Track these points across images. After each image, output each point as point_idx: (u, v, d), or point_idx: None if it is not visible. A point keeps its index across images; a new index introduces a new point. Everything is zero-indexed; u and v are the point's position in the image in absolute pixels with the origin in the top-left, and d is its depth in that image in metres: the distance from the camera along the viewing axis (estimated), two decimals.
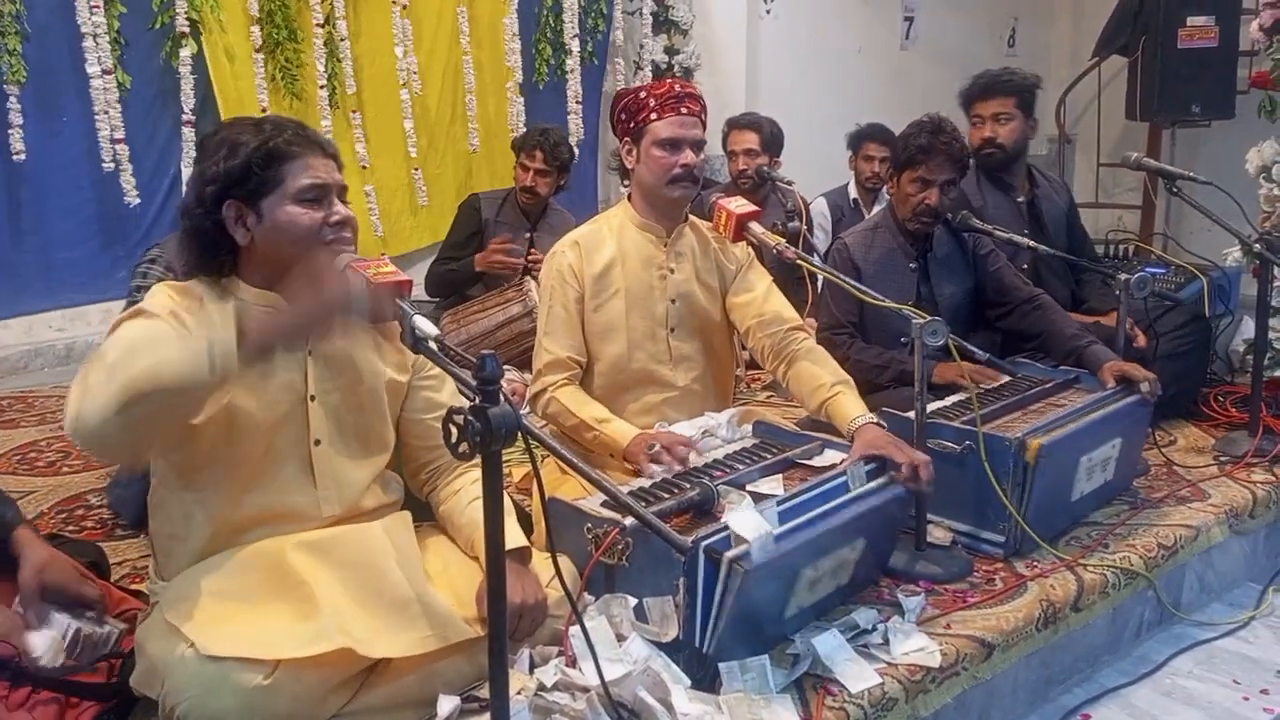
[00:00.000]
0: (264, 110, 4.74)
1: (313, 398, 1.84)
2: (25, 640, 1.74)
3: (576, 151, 4.72)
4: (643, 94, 2.51)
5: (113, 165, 4.48)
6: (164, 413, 1.58)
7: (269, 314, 1.69)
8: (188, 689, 1.58)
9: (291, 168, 1.75)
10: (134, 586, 2.16)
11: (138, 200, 4.55)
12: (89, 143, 4.46)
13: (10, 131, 4.26)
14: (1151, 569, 2.51)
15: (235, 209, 1.76)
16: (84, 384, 1.54)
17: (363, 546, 1.79)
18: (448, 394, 2.02)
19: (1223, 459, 3.10)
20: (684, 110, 2.48)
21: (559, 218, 4.29)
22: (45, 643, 1.75)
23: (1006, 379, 2.85)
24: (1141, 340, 3.10)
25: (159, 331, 1.60)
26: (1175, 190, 3.17)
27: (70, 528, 2.72)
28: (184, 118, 4.66)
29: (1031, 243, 3.01)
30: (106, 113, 4.43)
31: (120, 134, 4.48)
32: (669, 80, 2.59)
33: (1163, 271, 3.81)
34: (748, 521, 1.86)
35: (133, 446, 1.66)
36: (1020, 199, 3.48)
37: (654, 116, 2.47)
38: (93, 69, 4.37)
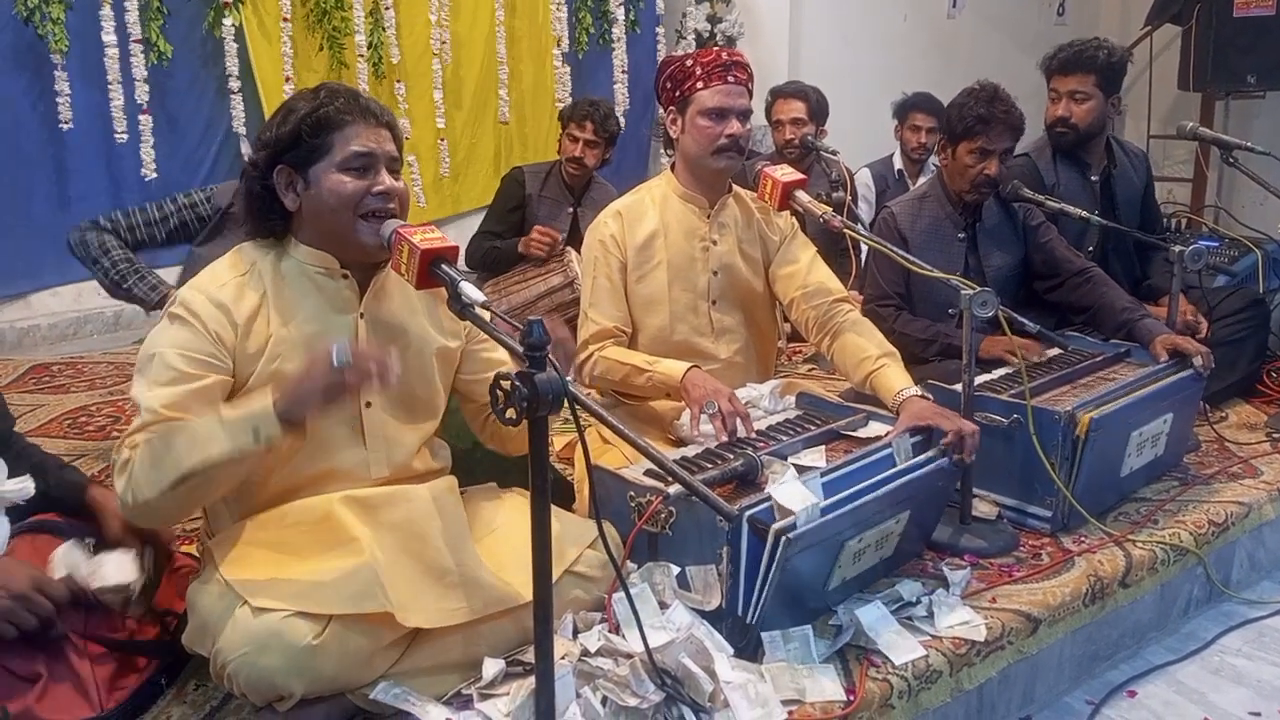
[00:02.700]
0: (288, 80, 4.75)
1: None
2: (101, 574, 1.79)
3: (623, 124, 4.68)
4: (689, 62, 2.48)
5: (126, 137, 4.47)
6: (212, 487, 1.70)
7: (290, 384, 1.67)
8: (238, 647, 1.60)
9: (340, 136, 1.76)
10: (184, 549, 2.19)
11: (155, 175, 4.55)
12: (131, 113, 4.50)
13: (58, 101, 4.30)
14: (1201, 546, 2.47)
15: (285, 175, 1.77)
16: (130, 466, 1.65)
17: (408, 509, 1.79)
18: (505, 353, 2.01)
19: (1275, 435, 3.04)
20: (731, 79, 2.44)
21: (603, 192, 4.25)
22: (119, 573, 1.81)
23: (1053, 356, 2.80)
24: (1204, 328, 3.03)
25: (200, 422, 1.65)
26: (1231, 161, 3.09)
27: None
28: (230, 87, 4.68)
29: (1083, 213, 2.94)
30: (120, 83, 4.43)
31: (145, 104, 4.48)
32: (716, 48, 2.56)
33: (1216, 245, 3.74)
34: (793, 494, 1.86)
35: (182, 513, 1.81)
36: (1094, 177, 3.34)
37: (700, 85, 2.44)
38: (108, 37, 4.36)
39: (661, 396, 2.45)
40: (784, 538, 1.79)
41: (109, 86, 4.41)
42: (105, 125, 4.50)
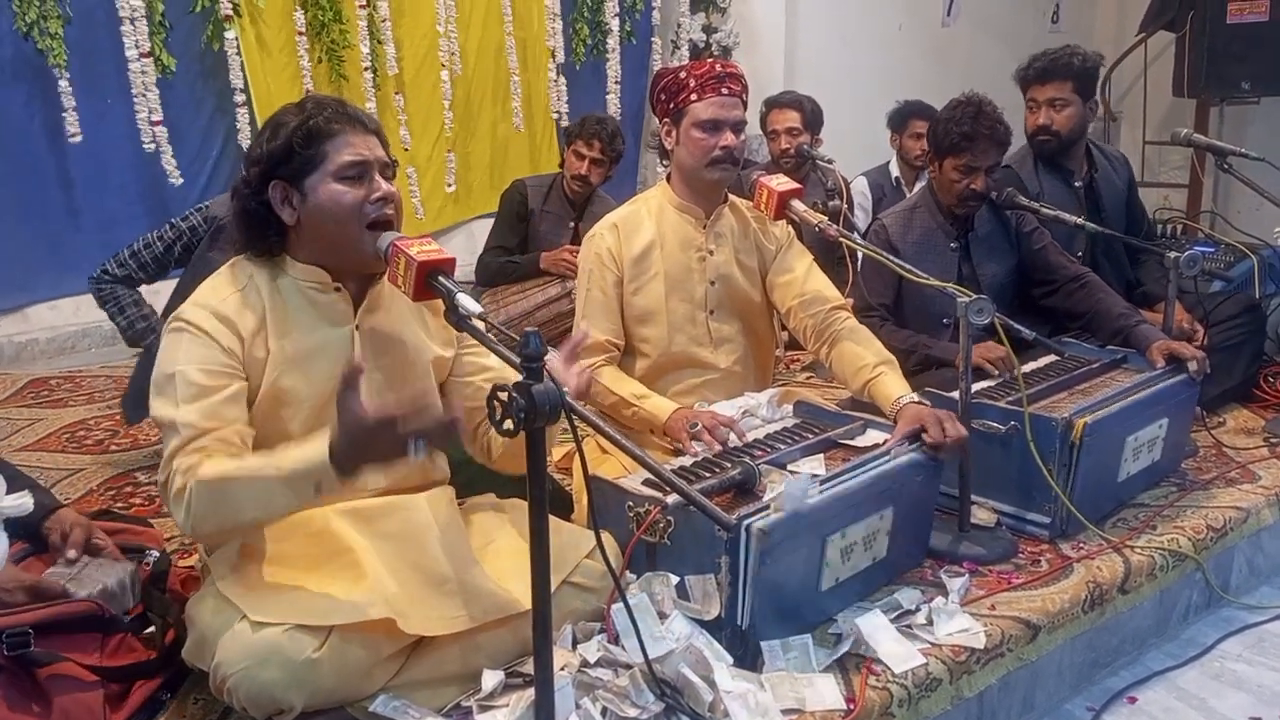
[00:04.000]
0: (307, 92, 4.78)
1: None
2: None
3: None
4: (683, 74, 2.48)
5: (153, 146, 4.52)
6: (270, 524, 1.76)
7: (351, 446, 1.59)
8: (238, 661, 1.60)
9: (332, 145, 1.77)
10: (183, 563, 2.19)
11: (180, 181, 4.59)
12: (131, 125, 4.50)
13: (64, 114, 4.31)
14: (1200, 551, 2.47)
15: (280, 189, 1.77)
16: (188, 501, 1.65)
17: (405, 519, 1.80)
18: (496, 359, 2.02)
19: (1273, 440, 3.05)
20: (725, 91, 2.45)
21: (604, 206, 4.25)
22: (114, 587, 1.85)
23: (1027, 368, 2.80)
24: (1200, 335, 3.04)
25: (257, 469, 1.64)
26: (1226, 167, 3.10)
27: (119, 504, 2.77)
28: (235, 100, 4.70)
29: (1079, 220, 2.95)
30: (145, 95, 4.47)
31: (158, 116, 4.51)
32: (710, 60, 2.56)
33: (1212, 250, 3.74)
34: (797, 488, 1.87)
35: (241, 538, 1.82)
36: (1078, 183, 3.36)
37: (694, 97, 2.45)
38: (130, 51, 4.40)
39: (646, 431, 2.44)
40: (756, 531, 1.79)
41: (134, 100, 4.45)
42: (106, 138, 4.50)
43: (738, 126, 2.47)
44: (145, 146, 4.50)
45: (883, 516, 2.10)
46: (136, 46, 4.41)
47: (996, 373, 2.68)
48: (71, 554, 1.89)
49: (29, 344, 4.54)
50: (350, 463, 1.58)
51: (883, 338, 2.82)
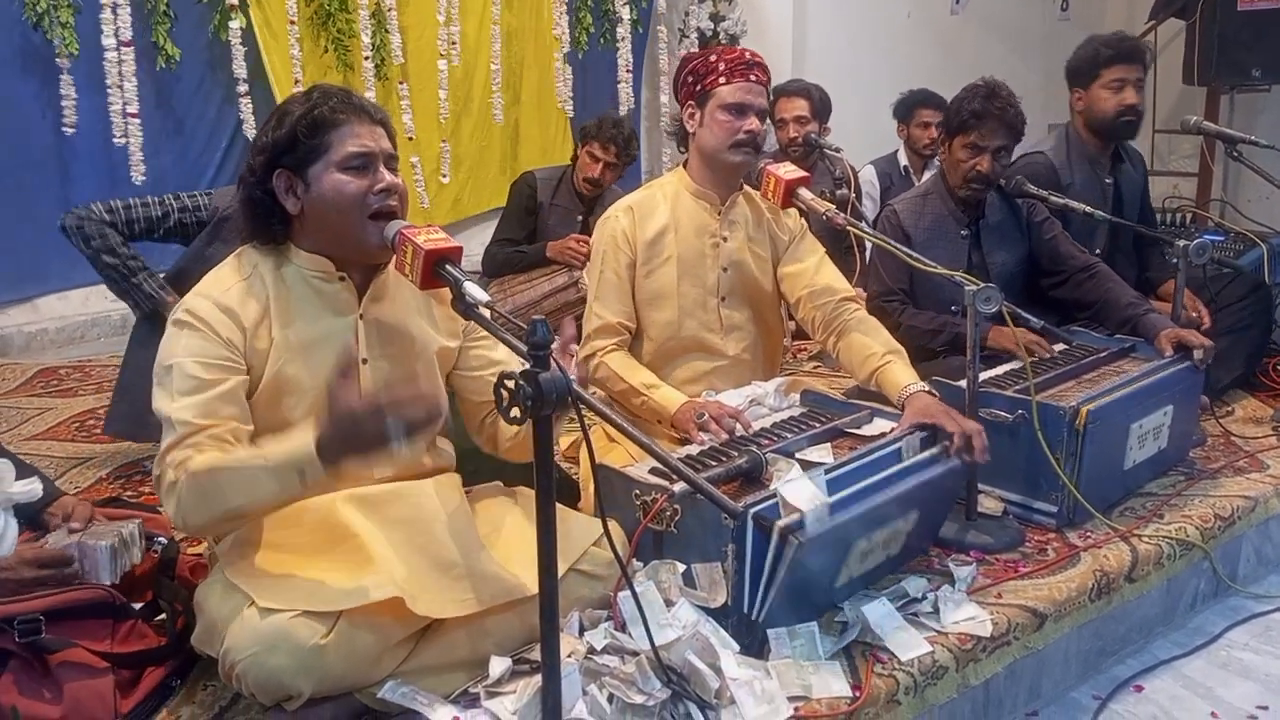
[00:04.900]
0: (297, 82, 4.77)
1: (364, 361, 1.86)
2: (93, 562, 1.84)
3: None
4: (712, 58, 2.49)
5: (124, 140, 4.48)
6: (258, 514, 1.75)
7: (335, 436, 1.60)
8: (246, 647, 1.61)
9: (336, 135, 1.77)
10: (192, 550, 2.20)
11: (143, 179, 4.52)
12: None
13: (64, 104, 4.32)
14: (1207, 540, 2.47)
15: (285, 178, 1.78)
16: (178, 493, 1.67)
17: (412, 504, 1.81)
18: (503, 351, 2.02)
19: None
20: (752, 78, 2.46)
21: (614, 198, 4.24)
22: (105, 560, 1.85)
23: (1060, 347, 2.81)
24: (1206, 320, 3.03)
25: (245, 459, 1.65)
26: (1236, 155, 3.09)
27: (128, 493, 2.78)
28: (238, 90, 4.70)
29: (1087, 209, 2.94)
30: (120, 86, 4.43)
31: (134, 108, 4.46)
32: (739, 48, 2.58)
33: (1221, 239, 3.74)
34: (802, 491, 1.85)
35: (231, 530, 1.82)
36: (1108, 179, 3.32)
37: (723, 80, 2.45)
38: (108, 40, 4.37)
39: (654, 421, 2.44)
40: (793, 540, 1.78)
41: (109, 90, 4.42)
42: (109, 129, 4.52)
43: (761, 114, 2.49)
44: (116, 140, 4.46)
45: (908, 519, 2.10)
46: (116, 35, 4.37)
47: (1030, 356, 2.65)
48: (76, 525, 1.90)
49: (38, 334, 4.57)
50: (334, 453, 1.60)
51: (906, 321, 2.84)
